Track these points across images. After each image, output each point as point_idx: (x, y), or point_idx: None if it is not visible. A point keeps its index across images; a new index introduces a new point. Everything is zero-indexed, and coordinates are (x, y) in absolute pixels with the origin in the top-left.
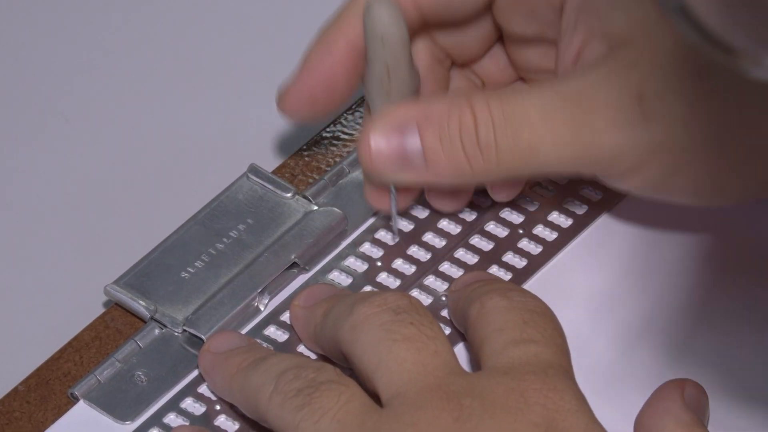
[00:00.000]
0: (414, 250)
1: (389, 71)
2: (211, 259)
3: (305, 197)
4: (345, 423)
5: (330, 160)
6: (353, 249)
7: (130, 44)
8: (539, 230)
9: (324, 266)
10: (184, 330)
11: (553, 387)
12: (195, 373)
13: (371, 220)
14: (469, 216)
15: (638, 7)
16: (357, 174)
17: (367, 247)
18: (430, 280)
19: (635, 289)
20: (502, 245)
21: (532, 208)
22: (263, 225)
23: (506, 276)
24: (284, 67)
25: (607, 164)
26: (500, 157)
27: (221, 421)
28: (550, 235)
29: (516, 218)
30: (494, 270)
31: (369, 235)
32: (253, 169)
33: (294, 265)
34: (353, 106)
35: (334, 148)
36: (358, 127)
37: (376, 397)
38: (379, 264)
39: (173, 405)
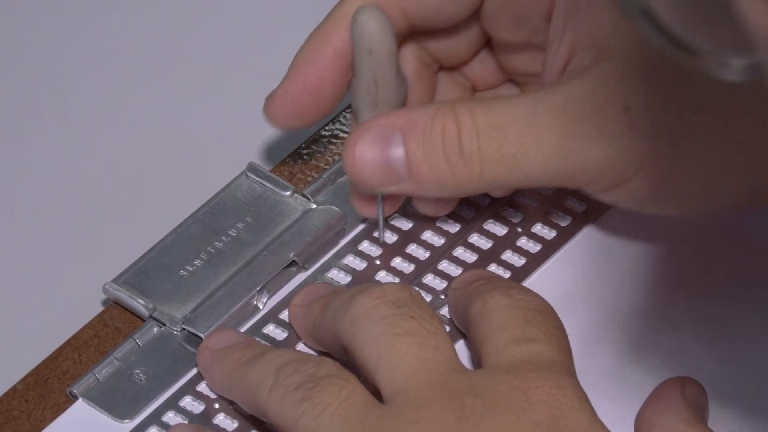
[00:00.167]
0: (413, 249)
1: (377, 82)
2: (209, 257)
3: (304, 196)
4: (346, 418)
5: (329, 158)
6: (352, 247)
7: (130, 44)
8: (538, 229)
9: (323, 264)
10: (183, 328)
11: (555, 384)
12: (194, 371)
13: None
14: (468, 214)
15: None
16: None
17: (365, 246)
18: (429, 279)
19: (634, 290)
20: (502, 243)
21: (533, 206)
22: (262, 223)
23: (505, 274)
24: (283, 66)
25: (592, 176)
26: (484, 167)
27: (220, 419)
28: (549, 234)
29: (515, 216)
30: (493, 268)
31: (368, 234)
32: (252, 168)
33: (293, 263)
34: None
35: (332, 147)
36: None
37: (376, 392)
38: (377, 262)
39: (172, 403)
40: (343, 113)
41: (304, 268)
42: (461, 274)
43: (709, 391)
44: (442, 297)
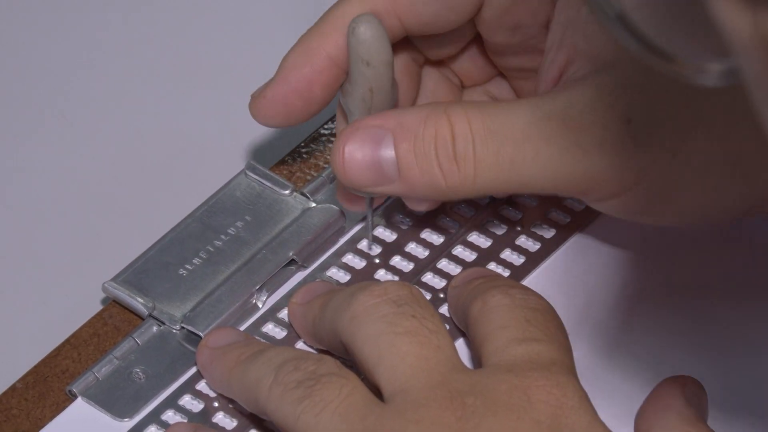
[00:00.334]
0: (412, 247)
1: (372, 90)
2: (209, 256)
3: (303, 194)
4: (346, 416)
5: (328, 157)
6: (351, 246)
7: (129, 43)
8: (538, 227)
9: (322, 263)
10: (182, 327)
11: (556, 384)
12: (193, 370)
13: (369, 217)
14: (468, 213)
15: None
16: None
17: (365, 244)
18: (429, 277)
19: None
20: (501, 242)
21: (532, 205)
22: (261, 222)
23: (505, 273)
24: None
25: (589, 187)
26: (478, 172)
27: (219, 418)
28: (549, 233)
29: (515, 215)
30: (492, 267)
31: (367, 232)
32: (251, 167)
33: (292, 262)
34: None
35: (331, 145)
36: None
37: (376, 390)
38: (377, 261)
39: (171, 402)
40: None
41: (304, 267)
42: (461, 272)
43: (708, 391)
44: (442, 296)
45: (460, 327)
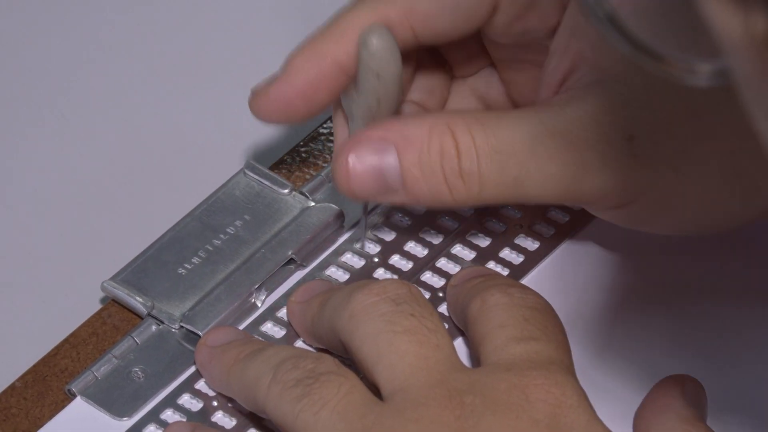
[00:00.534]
0: (411, 246)
1: (380, 101)
2: (208, 255)
3: (302, 193)
4: (345, 415)
5: (327, 156)
6: (350, 245)
7: (128, 42)
8: (537, 227)
9: (321, 262)
10: (181, 326)
11: (554, 383)
12: (192, 369)
13: (368, 217)
14: (467, 211)
15: None
16: None
17: (358, 246)
18: (428, 276)
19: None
20: (500, 241)
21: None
22: (260, 221)
23: (504, 272)
24: (282, 63)
25: (593, 200)
26: (483, 187)
27: (218, 417)
28: (548, 231)
29: (514, 214)
30: (491, 265)
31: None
32: (250, 166)
33: (291, 261)
34: None
35: (330, 145)
36: None
37: (375, 389)
38: (375, 260)
39: (170, 401)
40: None
41: (303, 266)
42: (459, 271)
43: (706, 391)
44: (441, 295)
45: (459, 326)
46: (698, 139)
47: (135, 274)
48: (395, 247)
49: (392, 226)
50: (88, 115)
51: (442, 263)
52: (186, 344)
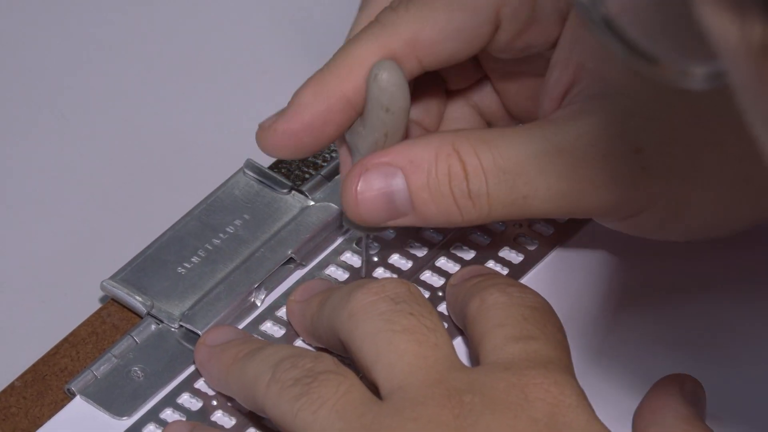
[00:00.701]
0: (410, 245)
1: (387, 135)
2: (207, 254)
3: (301, 193)
4: (344, 414)
5: (326, 155)
6: (350, 244)
7: (128, 42)
8: (537, 226)
9: (320, 262)
10: (181, 325)
11: (553, 382)
12: (192, 368)
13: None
14: None
15: None
16: None
17: (363, 243)
18: (427, 275)
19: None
20: (500, 240)
21: None
22: (259, 220)
23: (503, 271)
24: (281, 63)
25: (602, 214)
26: (492, 208)
27: (218, 416)
28: (547, 231)
29: None
30: (491, 265)
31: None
32: (250, 165)
33: (290, 260)
34: None
35: (329, 144)
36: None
37: (374, 388)
38: (375, 259)
39: (170, 400)
40: None
41: (302, 265)
42: (459, 270)
43: (705, 390)
44: (440, 294)
45: (458, 325)
46: (705, 147)
47: (134, 273)
48: (395, 246)
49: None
50: (88, 115)
51: (442, 262)
52: (185, 343)
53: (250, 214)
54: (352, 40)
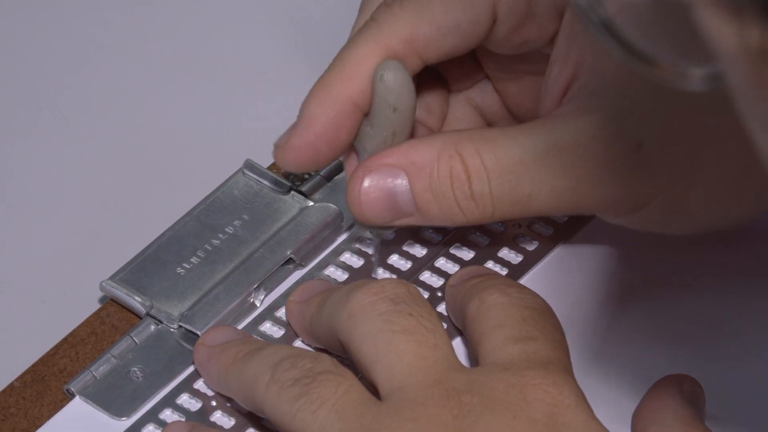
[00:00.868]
0: (410, 245)
1: (395, 134)
2: (206, 254)
3: (301, 193)
4: (343, 414)
5: None
6: (349, 245)
7: (127, 41)
8: (536, 226)
9: (320, 262)
10: (180, 326)
11: (552, 382)
12: (191, 369)
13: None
14: None
15: None
16: None
17: (363, 243)
18: (426, 276)
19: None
20: (499, 240)
21: None
22: (259, 221)
23: (502, 271)
24: (281, 63)
25: (604, 209)
26: (496, 207)
27: (217, 416)
28: (547, 231)
29: None
30: (490, 265)
31: (360, 226)
32: (249, 165)
33: (290, 260)
34: None
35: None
36: None
37: (373, 389)
38: (374, 260)
39: (169, 401)
40: None
41: (301, 266)
42: (458, 271)
43: (704, 390)
44: (440, 294)
45: (458, 325)
46: (705, 141)
47: (134, 273)
48: (394, 247)
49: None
50: (88, 115)
51: (441, 263)
52: (185, 344)
53: (250, 214)
54: (350, 43)
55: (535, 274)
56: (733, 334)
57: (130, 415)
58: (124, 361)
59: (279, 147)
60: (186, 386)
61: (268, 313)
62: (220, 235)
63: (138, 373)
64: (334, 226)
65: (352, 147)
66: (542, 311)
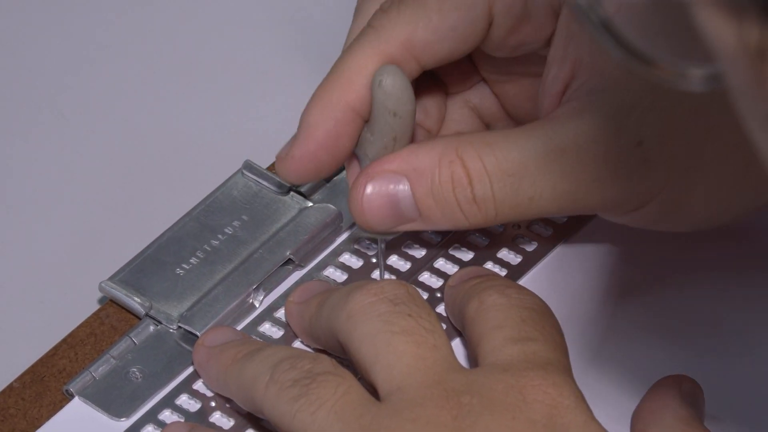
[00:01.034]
0: (409, 246)
1: (396, 139)
2: (206, 255)
3: (300, 194)
4: (342, 415)
5: None
6: (348, 245)
7: (127, 42)
8: (535, 227)
9: (319, 263)
10: (179, 326)
11: (551, 383)
12: (190, 369)
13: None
14: None
15: None
16: None
17: (362, 244)
18: (426, 276)
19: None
20: (498, 241)
21: None
22: (258, 221)
23: (501, 272)
24: (281, 63)
25: (607, 209)
26: (498, 211)
27: (216, 417)
28: (545, 232)
29: None
30: (489, 266)
31: (364, 231)
32: (248, 166)
33: (289, 261)
34: None
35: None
36: None
37: (372, 389)
38: (374, 260)
39: (168, 402)
40: None
41: (301, 266)
42: (457, 271)
43: (704, 391)
44: (439, 295)
45: (457, 326)
46: (705, 137)
47: (133, 274)
48: (393, 247)
49: None
50: (88, 115)
51: (440, 264)
52: (184, 344)
53: (249, 215)
54: (348, 50)
55: (535, 275)
56: (733, 334)
57: (129, 415)
58: (124, 361)
59: (281, 159)
60: (185, 387)
61: (268, 314)
62: (220, 236)
63: (137, 373)
64: (333, 227)
65: (353, 154)
66: (541, 312)
